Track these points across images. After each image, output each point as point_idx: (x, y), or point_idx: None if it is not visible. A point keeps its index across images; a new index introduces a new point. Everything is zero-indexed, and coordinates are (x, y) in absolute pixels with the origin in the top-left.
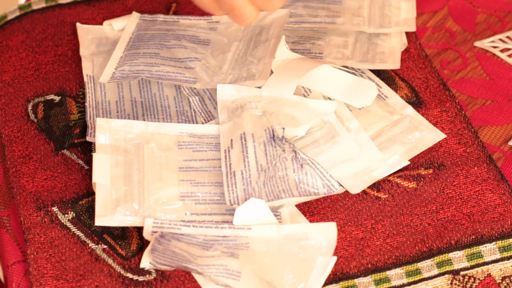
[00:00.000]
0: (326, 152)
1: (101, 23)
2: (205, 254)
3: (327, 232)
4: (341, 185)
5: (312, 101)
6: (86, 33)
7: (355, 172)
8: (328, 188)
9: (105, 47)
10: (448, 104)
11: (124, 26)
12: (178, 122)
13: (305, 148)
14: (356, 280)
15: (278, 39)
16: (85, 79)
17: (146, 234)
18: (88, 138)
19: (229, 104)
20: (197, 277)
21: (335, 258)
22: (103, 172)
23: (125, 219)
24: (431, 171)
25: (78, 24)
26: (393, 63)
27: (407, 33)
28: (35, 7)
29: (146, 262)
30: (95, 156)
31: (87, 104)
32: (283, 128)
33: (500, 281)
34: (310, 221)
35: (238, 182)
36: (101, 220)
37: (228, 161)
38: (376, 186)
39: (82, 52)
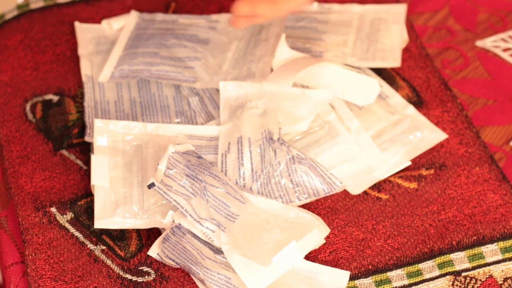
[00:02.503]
0: (327, 152)
1: (99, 22)
2: (216, 258)
3: (338, 280)
4: (341, 183)
5: (312, 92)
6: (85, 32)
7: (355, 172)
8: (329, 185)
9: (104, 47)
10: (450, 104)
11: (123, 25)
12: (178, 122)
13: (305, 148)
14: (357, 281)
15: (278, 38)
16: (84, 78)
17: (166, 223)
18: (86, 138)
19: (231, 101)
20: (197, 281)
21: None
22: (102, 174)
23: (124, 221)
24: (432, 171)
25: (76, 23)
26: (393, 61)
27: (408, 33)
28: (33, 6)
29: (154, 251)
30: (94, 158)
31: (85, 104)
32: (280, 128)
33: (501, 282)
34: None
35: (231, 183)
36: (100, 222)
37: (224, 168)
38: (377, 186)
39: (81, 51)
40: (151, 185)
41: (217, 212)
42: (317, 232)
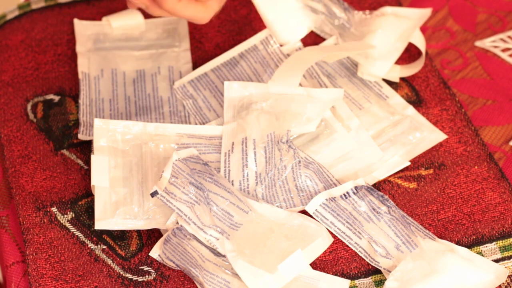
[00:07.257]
0: (324, 150)
1: None
2: (216, 260)
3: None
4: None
5: (319, 91)
6: (84, 29)
7: (355, 171)
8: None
9: (102, 44)
10: (448, 102)
11: (122, 23)
12: (171, 123)
13: (303, 146)
14: (356, 281)
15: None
16: (80, 76)
17: (168, 224)
18: (80, 136)
19: (235, 102)
20: (197, 284)
21: None
22: (102, 174)
23: (125, 222)
24: (431, 171)
25: (75, 20)
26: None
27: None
28: (34, 6)
29: (155, 252)
30: (94, 158)
31: (80, 101)
32: (289, 131)
33: None
34: None
35: (235, 191)
36: (101, 223)
37: (228, 167)
38: (377, 187)
39: (78, 48)
40: (154, 193)
41: (221, 221)
42: (321, 241)
